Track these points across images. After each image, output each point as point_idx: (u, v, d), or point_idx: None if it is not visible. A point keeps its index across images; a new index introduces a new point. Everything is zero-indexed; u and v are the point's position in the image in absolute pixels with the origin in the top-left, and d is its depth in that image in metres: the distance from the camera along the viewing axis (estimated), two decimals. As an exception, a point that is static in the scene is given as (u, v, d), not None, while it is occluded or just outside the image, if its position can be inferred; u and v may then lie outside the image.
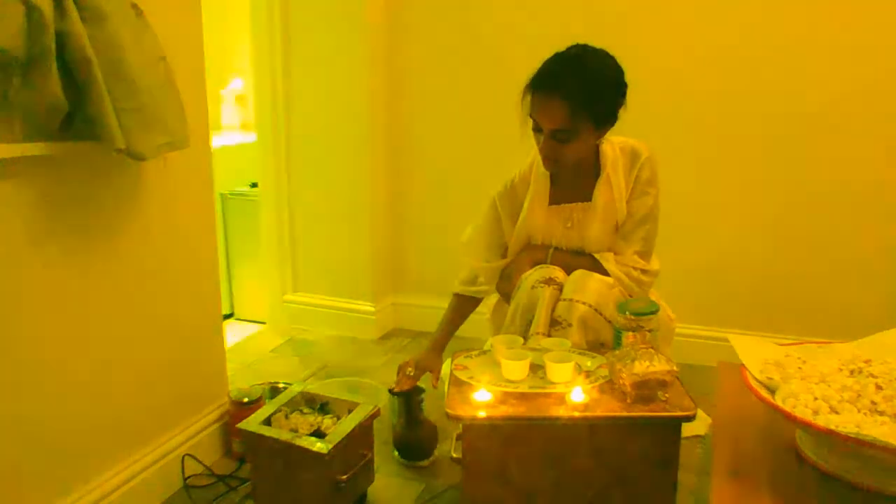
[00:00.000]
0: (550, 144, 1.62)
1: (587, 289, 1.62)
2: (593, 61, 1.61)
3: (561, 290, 1.66)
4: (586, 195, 1.76)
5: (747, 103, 2.27)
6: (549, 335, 1.61)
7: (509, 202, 1.83)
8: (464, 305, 1.94)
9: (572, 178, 1.77)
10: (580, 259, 1.74)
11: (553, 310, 1.64)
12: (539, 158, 1.77)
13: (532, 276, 1.70)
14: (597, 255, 1.74)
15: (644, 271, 1.73)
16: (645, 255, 1.75)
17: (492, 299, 1.94)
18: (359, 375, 2.33)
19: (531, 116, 1.64)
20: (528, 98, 1.64)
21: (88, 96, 1.25)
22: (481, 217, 1.89)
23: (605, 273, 1.70)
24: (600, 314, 1.60)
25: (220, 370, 1.90)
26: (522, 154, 1.86)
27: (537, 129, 1.65)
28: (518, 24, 2.43)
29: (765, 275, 2.35)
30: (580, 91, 1.56)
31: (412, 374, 1.80)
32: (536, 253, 1.80)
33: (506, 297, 1.81)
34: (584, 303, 1.60)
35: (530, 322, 1.65)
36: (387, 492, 1.71)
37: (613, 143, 1.76)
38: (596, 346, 1.61)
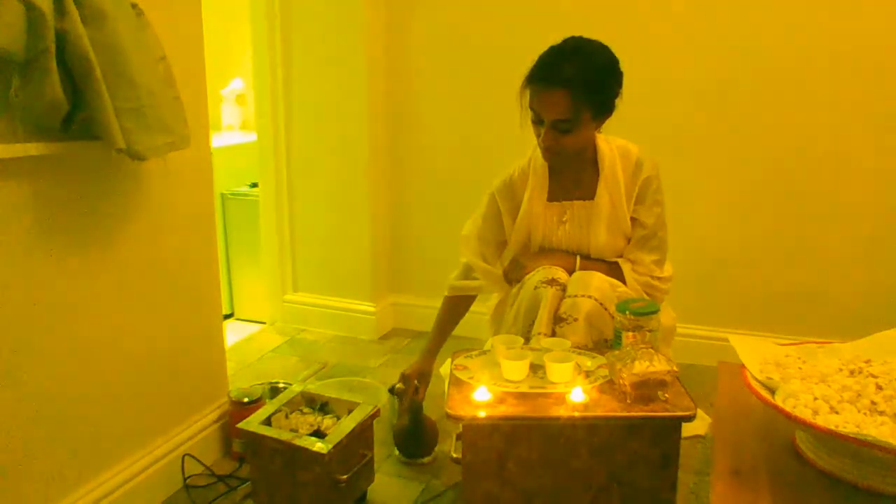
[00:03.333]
0: (552, 135, 1.63)
1: (591, 286, 1.63)
2: (590, 51, 1.63)
3: (564, 290, 1.66)
4: (587, 193, 1.76)
5: (747, 104, 2.27)
6: (554, 333, 1.62)
7: (509, 197, 1.83)
8: (456, 307, 1.95)
9: (571, 174, 1.77)
10: (603, 266, 1.74)
11: (557, 309, 1.64)
12: (538, 153, 1.77)
13: (534, 276, 1.69)
14: (619, 262, 1.75)
15: (661, 279, 1.75)
16: (660, 262, 1.77)
17: (492, 300, 1.93)
18: (359, 375, 2.33)
19: (531, 108, 1.65)
20: (528, 91, 1.65)
21: (88, 96, 1.25)
22: (480, 212, 1.89)
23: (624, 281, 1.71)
24: (605, 309, 1.60)
25: (220, 370, 1.90)
26: (522, 152, 1.86)
27: (538, 121, 1.66)
28: (517, 23, 2.43)
29: (765, 275, 2.35)
30: (580, 80, 1.58)
31: (416, 384, 1.85)
32: (562, 259, 1.76)
33: (511, 283, 1.79)
34: (589, 297, 1.60)
35: (532, 323, 1.65)
36: (387, 492, 1.71)
37: (610, 143, 1.76)
38: (600, 345, 1.61)
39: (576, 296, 1.62)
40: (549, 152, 1.67)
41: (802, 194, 2.28)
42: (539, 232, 1.80)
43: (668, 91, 2.32)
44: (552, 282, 1.66)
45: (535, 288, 1.67)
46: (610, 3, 2.33)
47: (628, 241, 1.77)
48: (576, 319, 1.59)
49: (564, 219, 1.77)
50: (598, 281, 1.64)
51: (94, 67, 1.24)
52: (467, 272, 1.92)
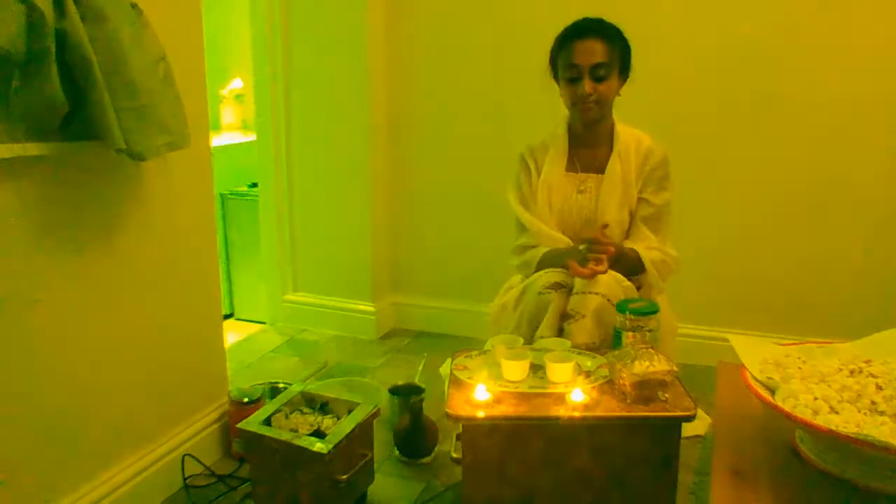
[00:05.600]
0: (591, 84, 1.74)
1: (598, 282, 1.64)
2: (605, 20, 1.79)
3: (570, 291, 1.67)
4: (601, 167, 1.84)
5: (748, 103, 2.27)
6: (562, 329, 1.64)
7: (533, 157, 1.90)
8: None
9: (588, 149, 1.85)
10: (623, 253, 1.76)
11: (564, 307, 1.66)
12: (559, 129, 1.86)
13: (538, 281, 1.70)
14: (633, 245, 1.78)
15: (675, 259, 1.81)
16: (663, 242, 1.83)
17: (495, 300, 1.93)
18: (359, 375, 2.33)
19: (569, 65, 1.75)
20: (563, 52, 1.77)
21: (88, 96, 1.25)
22: (515, 176, 1.93)
23: (641, 265, 1.75)
24: (613, 305, 1.61)
25: (220, 370, 1.90)
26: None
27: (573, 79, 1.75)
28: (518, 26, 2.43)
29: (765, 275, 2.35)
30: (610, 30, 1.77)
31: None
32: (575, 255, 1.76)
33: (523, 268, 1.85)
34: (597, 293, 1.62)
35: (536, 328, 1.66)
36: (387, 492, 1.71)
37: (626, 128, 1.85)
38: (608, 343, 1.61)
39: (583, 292, 1.63)
40: (587, 102, 1.75)
41: (803, 194, 2.27)
42: (557, 198, 1.85)
43: (669, 91, 2.32)
44: (556, 286, 1.67)
45: (539, 294, 1.67)
46: (615, 4, 2.32)
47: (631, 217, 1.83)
48: (584, 316, 1.61)
49: (582, 188, 1.84)
50: (605, 277, 1.65)
51: (94, 67, 1.23)
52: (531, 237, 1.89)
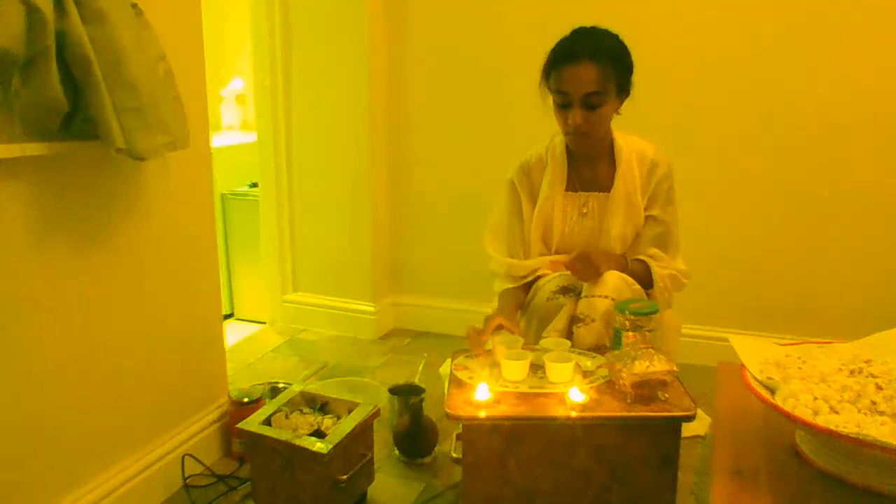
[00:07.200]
0: (581, 114, 1.64)
1: (607, 284, 1.63)
2: (602, 30, 1.68)
3: (578, 295, 1.66)
4: (603, 185, 1.77)
5: (749, 103, 2.27)
6: (571, 333, 1.62)
7: (527, 183, 1.82)
8: (516, 296, 1.80)
9: (588, 167, 1.78)
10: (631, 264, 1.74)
11: (573, 309, 1.65)
12: (556, 143, 1.78)
13: (547, 286, 1.69)
14: (645, 259, 1.74)
15: (681, 272, 1.77)
16: (674, 257, 1.79)
17: (497, 304, 1.92)
18: (359, 375, 2.33)
19: (559, 92, 1.65)
20: (553, 75, 1.65)
21: (88, 96, 1.25)
22: (502, 206, 1.86)
23: (649, 279, 1.71)
24: None
25: (220, 370, 1.90)
26: (521, 153, 1.86)
27: (564, 105, 1.65)
28: (518, 25, 2.43)
29: (765, 275, 2.35)
30: (604, 51, 1.62)
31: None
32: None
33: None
34: (605, 296, 1.61)
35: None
36: (387, 491, 1.71)
37: (627, 139, 1.78)
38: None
39: (592, 296, 1.62)
40: (579, 132, 1.66)
41: (803, 195, 2.27)
42: (558, 222, 1.79)
43: (669, 91, 2.32)
44: (564, 290, 1.67)
45: (548, 300, 1.67)
46: (617, 5, 2.32)
47: (636, 234, 1.78)
48: (593, 320, 1.59)
49: (584, 210, 1.78)
50: (614, 279, 1.64)
51: (94, 67, 1.24)
52: (504, 270, 1.83)
